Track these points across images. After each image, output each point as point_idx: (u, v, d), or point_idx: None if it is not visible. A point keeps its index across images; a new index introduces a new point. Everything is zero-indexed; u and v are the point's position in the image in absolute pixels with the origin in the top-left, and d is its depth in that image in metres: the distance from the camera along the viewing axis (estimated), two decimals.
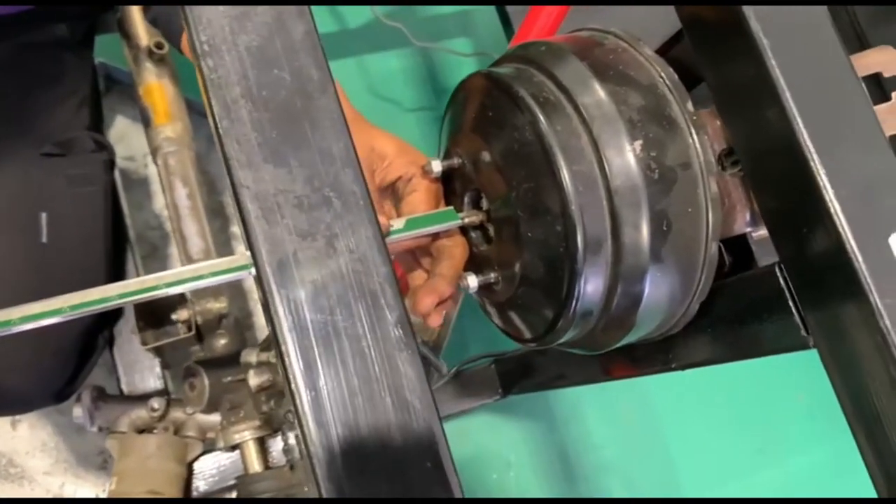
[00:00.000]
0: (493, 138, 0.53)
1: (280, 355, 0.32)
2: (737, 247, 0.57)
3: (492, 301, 0.59)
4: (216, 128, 0.34)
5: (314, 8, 0.38)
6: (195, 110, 1.06)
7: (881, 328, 0.42)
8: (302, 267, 0.32)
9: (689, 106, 0.50)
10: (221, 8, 0.34)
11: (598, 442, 1.24)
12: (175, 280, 0.50)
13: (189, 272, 0.51)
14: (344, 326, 0.32)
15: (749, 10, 0.44)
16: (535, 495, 1.20)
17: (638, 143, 0.48)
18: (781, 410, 1.33)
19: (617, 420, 1.26)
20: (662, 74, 0.51)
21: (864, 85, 0.51)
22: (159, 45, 0.87)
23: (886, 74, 0.55)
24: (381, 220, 0.52)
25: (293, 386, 0.32)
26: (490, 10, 1.28)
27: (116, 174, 0.97)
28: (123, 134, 1.21)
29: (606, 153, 0.48)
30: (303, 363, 0.32)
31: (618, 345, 0.56)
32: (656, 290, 0.51)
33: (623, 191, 0.48)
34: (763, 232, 0.65)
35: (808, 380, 1.32)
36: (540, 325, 0.55)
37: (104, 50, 1.12)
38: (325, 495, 0.30)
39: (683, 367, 0.61)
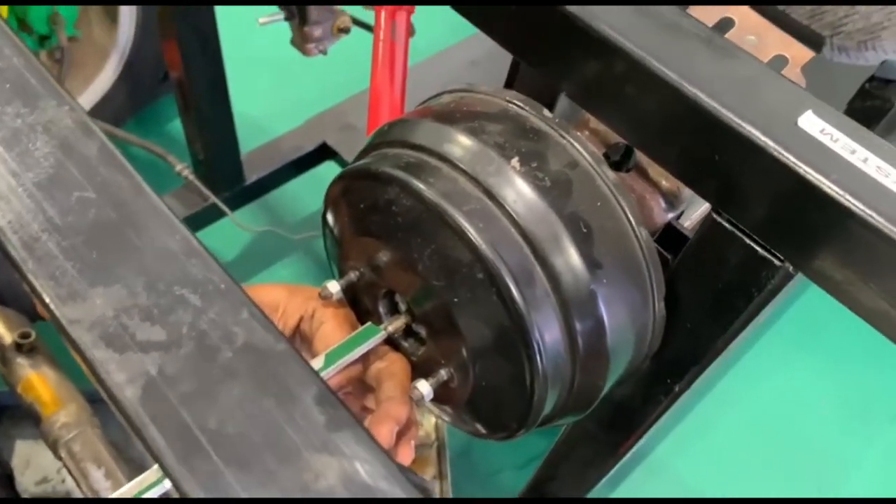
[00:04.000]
0: (376, 227, 0.48)
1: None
2: (671, 243, 0.53)
3: (459, 404, 0.52)
4: (21, 274, 0.27)
5: None
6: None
7: (845, 207, 0.37)
8: (175, 382, 0.25)
9: (547, 113, 0.48)
10: None
11: None
12: None
13: None
14: (257, 432, 0.25)
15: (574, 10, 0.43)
16: None
17: (515, 161, 0.45)
18: (796, 429, 1.24)
19: None
20: (507, 98, 0.49)
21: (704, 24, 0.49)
22: (24, 335, 0.80)
23: (709, 23, 0.56)
24: None
25: None
26: None
27: None
28: (28, 458, 1.09)
29: (489, 182, 0.44)
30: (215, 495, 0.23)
31: (608, 384, 0.49)
32: (611, 301, 0.45)
33: (523, 209, 0.44)
34: (692, 219, 0.61)
35: (827, 395, 1.26)
36: (518, 399, 0.47)
37: None
38: None
39: (688, 383, 0.54)
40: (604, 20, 0.43)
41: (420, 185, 0.44)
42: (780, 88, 0.42)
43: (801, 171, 0.38)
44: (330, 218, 0.53)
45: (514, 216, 0.44)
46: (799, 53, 0.56)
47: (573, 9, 0.44)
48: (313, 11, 0.78)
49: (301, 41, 0.82)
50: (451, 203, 0.44)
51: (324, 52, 0.84)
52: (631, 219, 0.46)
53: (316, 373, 0.27)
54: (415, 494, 0.24)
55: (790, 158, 0.38)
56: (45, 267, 0.27)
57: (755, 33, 0.57)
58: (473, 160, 0.45)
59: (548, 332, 0.44)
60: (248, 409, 0.25)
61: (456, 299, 0.45)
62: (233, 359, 0.26)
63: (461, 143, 0.46)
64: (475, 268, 0.43)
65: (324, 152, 1.25)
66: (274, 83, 1.48)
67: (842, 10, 0.69)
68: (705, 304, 0.48)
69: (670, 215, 0.55)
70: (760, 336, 1.29)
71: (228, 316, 0.27)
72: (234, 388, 0.26)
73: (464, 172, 0.45)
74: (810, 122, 0.40)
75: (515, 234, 0.44)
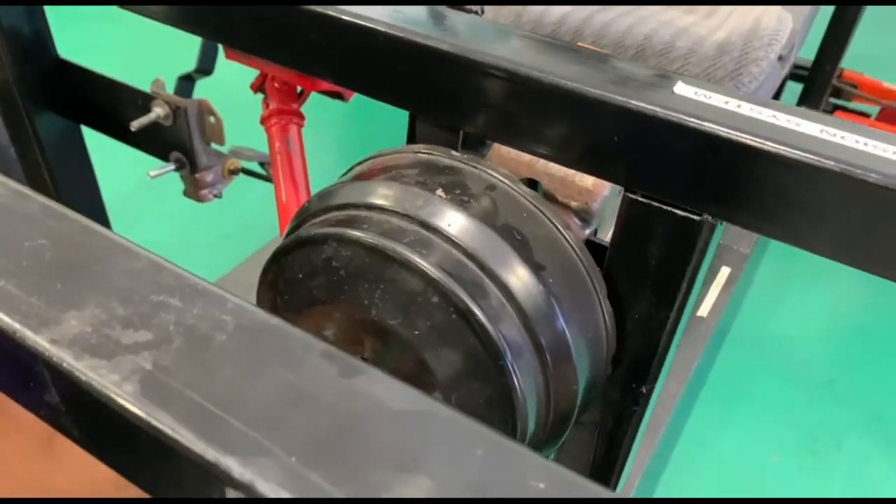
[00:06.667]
0: (320, 291, 0.48)
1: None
2: (595, 257, 0.56)
3: None
4: None
5: None
6: None
7: (738, 143, 0.42)
8: (174, 371, 0.24)
9: (454, 153, 0.51)
10: None
11: None
12: None
13: None
14: (273, 394, 0.24)
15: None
16: None
17: (439, 192, 0.47)
18: (761, 480, 1.25)
19: None
20: (415, 149, 0.52)
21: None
22: None
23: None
24: None
25: None
26: None
27: None
28: None
29: (420, 214, 0.46)
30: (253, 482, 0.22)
31: (580, 388, 0.49)
32: (562, 298, 0.47)
33: (459, 230, 0.46)
34: (609, 235, 0.65)
35: (774, 440, 1.29)
36: (500, 422, 0.46)
37: None
38: None
39: (652, 380, 0.55)
40: (481, 50, 0.48)
41: (356, 233, 0.45)
42: (645, 70, 0.47)
43: (691, 124, 0.42)
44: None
45: (453, 238, 0.45)
46: None
47: (472, 52, 0.48)
48: (202, 157, 0.80)
49: (194, 189, 0.83)
50: (390, 240, 0.45)
51: (218, 196, 0.85)
52: (556, 224, 0.49)
53: (316, 334, 0.27)
54: (446, 413, 0.24)
55: (679, 117, 0.43)
56: (6, 307, 0.26)
57: None
58: (401, 201, 0.47)
59: (513, 341, 0.45)
60: (257, 378, 0.24)
61: (417, 332, 0.45)
62: (228, 341, 0.25)
63: (384, 191, 0.48)
64: (428, 293, 0.44)
65: None
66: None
67: None
68: (645, 287, 0.50)
69: (587, 231, 0.58)
70: (698, 392, 1.32)
71: (214, 309, 0.26)
72: (236, 365, 0.25)
73: (394, 213, 0.47)
74: (684, 89, 0.45)
75: (458, 253, 0.45)
